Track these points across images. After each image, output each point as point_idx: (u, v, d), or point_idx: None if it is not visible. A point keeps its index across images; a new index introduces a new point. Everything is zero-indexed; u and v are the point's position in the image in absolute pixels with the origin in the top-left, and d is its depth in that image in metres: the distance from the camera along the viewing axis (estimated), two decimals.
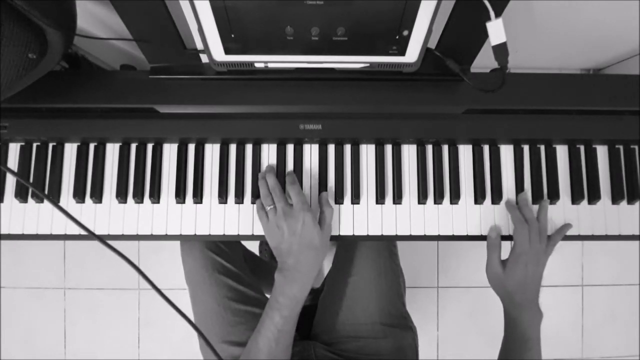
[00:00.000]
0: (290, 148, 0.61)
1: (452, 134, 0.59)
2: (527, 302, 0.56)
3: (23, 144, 0.60)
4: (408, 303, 0.73)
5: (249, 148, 0.61)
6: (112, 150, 0.60)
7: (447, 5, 0.50)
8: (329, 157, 0.61)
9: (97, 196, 0.59)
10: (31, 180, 0.59)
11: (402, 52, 0.50)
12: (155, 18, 0.52)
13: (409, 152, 0.61)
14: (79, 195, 0.59)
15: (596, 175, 0.61)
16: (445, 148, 0.61)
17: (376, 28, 0.46)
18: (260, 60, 0.52)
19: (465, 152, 0.61)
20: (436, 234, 0.60)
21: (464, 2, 0.50)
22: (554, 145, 0.62)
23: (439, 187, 0.60)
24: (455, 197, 0.60)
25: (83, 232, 0.58)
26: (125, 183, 0.60)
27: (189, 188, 0.60)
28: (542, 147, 0.62)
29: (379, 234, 0.60)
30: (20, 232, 0.59)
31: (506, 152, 0.62)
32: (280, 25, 0.45)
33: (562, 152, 0.62)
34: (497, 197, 0.60)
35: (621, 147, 0.62)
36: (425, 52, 0.51)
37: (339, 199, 0.60)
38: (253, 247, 1.26)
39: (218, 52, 0.50)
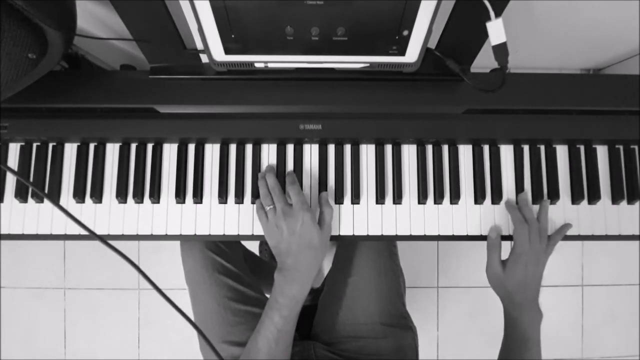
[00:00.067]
0: (290, 148, 0.61)
1: (452, 134, 0.59)
2: (527, 302, 0.56)
3: (23, 144, 0.60)
4: (408, 303, 0.73)
5: (249, 148, 0.61)
6: (112, 150, 0.60)
7: (447, 5, 0.50)
8: (329, 157, 0.61)
9: (97, 196, 0.59)
10: (31, 180, 0.59)
11: (402, 52, 0.50)
12: (155, 18, 0.52)
13: (409, 152, 0.61)
14: (79, 195, 0.59)
15: (596, 175, 0.61)
16: (445, 148, 0.61)
17: (376, 28, 0.46)
18: (260, 60, 0.52)
19: (465, 152, 0.61)
20: (436, 234, 0.60)
21: (464, 2, 0.50)
22: (554, 145, 0.62)
23: (439, 187, 0.60)
24: (455, 197, 0.60)
25: (83, 232, 0.58)
26: (125, 183, 0.60)
27: (189, 188, 0.60)
28: (542, 147, 0.62)
29: (379, 234, 0.60)
30: (20, 232, 0.59)
31: (506, 152, 0.62)
32: (280, 25, 0.45)
33: (562, 152, 0.62)
34: (497, 197, 0.60)
35: (621, 147, 0.62)
36: (425, 52, 0.51)
37: (339, 199, 0.60)
38: (253, 247, 1.26)
39: (218, 52, 0.50)
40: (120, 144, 0.60)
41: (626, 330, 1.31)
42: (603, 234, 0.61)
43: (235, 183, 0.60)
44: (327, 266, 0.78)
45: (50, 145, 0.60)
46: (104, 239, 0.39)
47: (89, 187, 0.60)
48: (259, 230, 0.59)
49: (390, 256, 0.71)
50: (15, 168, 0.59)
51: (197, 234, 0.59)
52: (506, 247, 0.59)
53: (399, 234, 0.60)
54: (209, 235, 0.59)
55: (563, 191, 0.61)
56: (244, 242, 0.82)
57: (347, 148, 0.61)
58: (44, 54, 0.46)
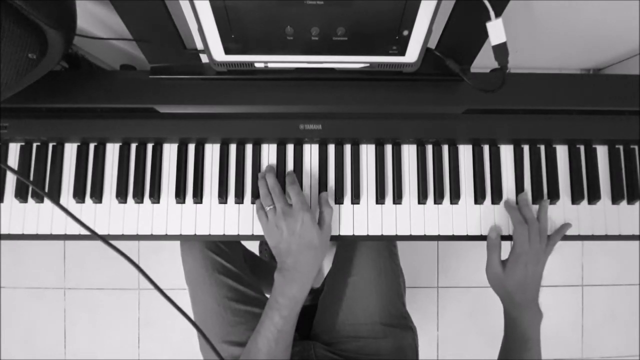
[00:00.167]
0: (290, 148, 0.61)
1: (452, 134, 0.59)
2: (527, 302, 0.56)
3: (23, 144, 0.60)
4: (408, 303, 0.73)
5: (249, 148, 0.61)
6: (112, 150, 0.60)
7: (447, 5, 0.50)
8: (329, 157, 0.61)
9: (97, 196, 0.59)
10: (31, 180, 0.59)
11: (402, 52, 0.50)
12: (155, 18, 0.52)
13: (409, 152, 0.61)
14: (79, 195, 0.59)
15: (596, 175, 0.61)
16: (445, 148, 0.61)
17: (376, 28, 0.46)
18: (260, 60, 0.52)
19: (465, 152, 0.61)
20: (436, 234, 0.60)
21: (464, 2, 0.50)
22: (554, 145, 0.62)
23: (439, 187, 0.60)
24: (455, 197, 0.60)
25: (83, 232, 0.58)
26: (125, 183, 0.60)
27: (189, 188, 0.60)
28: (542, 147, 0.62)
29: (379, 234, 0.60)
30: (20, 232, 0.59)
31: (506, 152, 0.62)
32: (280, 25, 0.45)
33: (562, 152, 0.62)
34: (497, 197, 0.60)
35: (621, 147, 0.62)
36: (425, 52, 0.51)
37: (339, 199, 0.60)
38: (253, 247, 1.26)
39: (218, 52, 0.50)
40: (120, 144, 0.60)
41: (626, 330, 1.31)
42: (603, 234, 0.61)
43: (235, 183, 0.60)
44: (327, 266, 0.78)
45: (50, 145, 0.60)
46: (105, 239, 0.39)
47: (89, 187, 0.60)
48: (259, 230, 0.59)
49: (390, 256, 0.71)
50: (16, 168, 0.59)
51: (197, 234, 0.59)
52: (506, 247, 0.59)
53: (399, 234, 0.60)
54: (209, 235, 0.59)
55: (563, 191, 0.61)
56: (244, 242, 0.82)
57: (347, 148, 0.61)
58: (44, 54, 0.46)
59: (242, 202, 0.60)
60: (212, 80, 0.58)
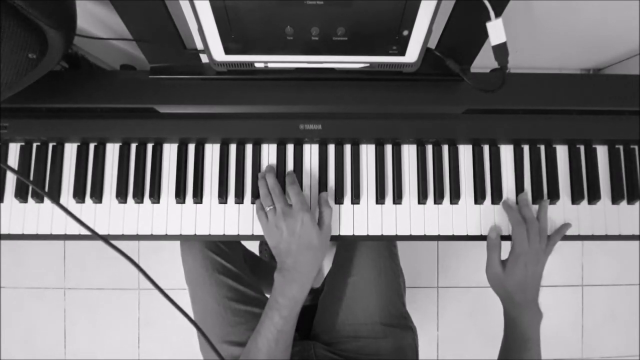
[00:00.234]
0: (290, 148, 0.61)
1: (452, 134, 0.59)
2: (526, 302, 0.56)
3: (23, 144, 0.60)
4: (408, 303, 0.73)
5: (249, 148, 0.61)
6: (112, 150, 0.60)
7: (447, 5, 0.50)
8: (329, 157, 0.61)
9: (97, 196, 0.59)
10: (31, 180, 0.59)
11: (402, 52, 0.50)
12: (155, 18, 0.52)
13: (409, 152, 0.61)
14: (79, 195, 0.59)
15: (596, 175, 0.61)
16: (445, 148, 0.61)
17: (376, 28, 0.46)
18: (260, 60, 0.52)
19: (465, 152, 0.61)
20: (436, 234, 0.60)
21: (464, 2, 0.50)
22: (554, 145, 0.62)
23: (439, 187, 0.60)
24: (455, 197, 0.60)
25: (83, 232, 0.58)
26: (125, 183, 0.60)
27: (189, 188, 0.60)
28: (542, 147, 0.62)
29: (379, 234, 0.60)
30: (20, 232, 0.59)
31: (506, 152, 0.62)
32: (280, 25, 0.45)
33: (562, 152, 0.62)
34: (497, 197, 0.60)
35: (621, 147, 0.62)
36: (425, 52, 0.51)
37: (339, 199, 0.60)
38: (253, 247, 1.26)
39: (218, 52, 0.50)
40: (120, 144, 0.60)
41: (626, 330, 1.31)
42: (603, 234, 0.61)
43: (235, 183, 0.60)
44: (327, 266, 0.78)
45: (50, 145, 0.60)
46: (106, 239, 0.39)
47: (89, 187, 0.60)
48: (259, 230, 0.59)
49: (390, 256, 0.71)
50: (16, 168, 0.59)
51: (197, 234, 0.59)
52: (506, 247, 0.59)
53: (399, 234, 0.60)
54: (209, 235, 0.59)
55: (563, 191, 0.61)
56: (244, 242, 0.82)
57: (347, 148, 0.61)
58: (44, 54, 0.46)
59: (242, 202, 0.60)
60: (212, 80, 0.58)
